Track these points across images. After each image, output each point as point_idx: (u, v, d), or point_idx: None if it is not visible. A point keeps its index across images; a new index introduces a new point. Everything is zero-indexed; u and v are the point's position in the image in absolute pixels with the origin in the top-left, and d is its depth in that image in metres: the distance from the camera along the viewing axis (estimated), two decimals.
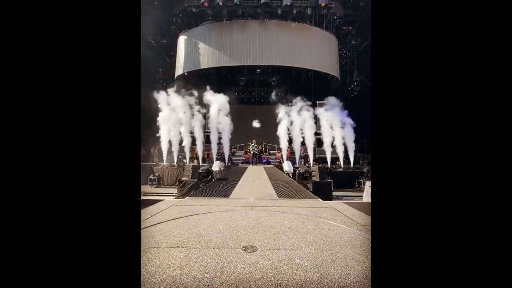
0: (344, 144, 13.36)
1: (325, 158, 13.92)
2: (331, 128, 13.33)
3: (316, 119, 15.37)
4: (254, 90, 21.97)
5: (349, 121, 13.62)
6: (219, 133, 13.21)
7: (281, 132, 13.43)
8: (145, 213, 2.85)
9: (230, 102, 14.09)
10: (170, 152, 12.84)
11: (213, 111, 13.12)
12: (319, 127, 14.00)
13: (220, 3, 16.97)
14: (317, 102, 19.37)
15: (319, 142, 15.58)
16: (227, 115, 13.30)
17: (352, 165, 13.58)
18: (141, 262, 1.57)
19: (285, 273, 1.46)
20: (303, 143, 13.84)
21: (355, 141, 13.73)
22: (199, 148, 13.39)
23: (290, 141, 13.59)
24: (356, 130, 13.82)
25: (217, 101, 13.18)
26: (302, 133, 13.44)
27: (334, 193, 8.81)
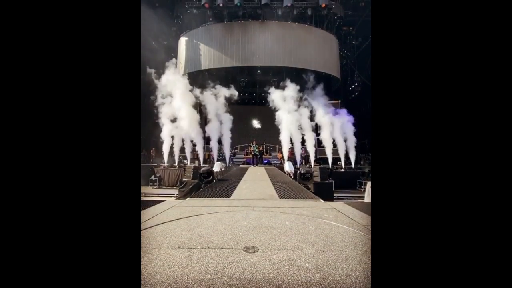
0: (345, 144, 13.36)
1: (326, 158, 13.91)
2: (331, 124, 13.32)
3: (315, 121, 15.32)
4: (254, 91, 21.98)
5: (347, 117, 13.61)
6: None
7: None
8: (146, 214, 2.85)
9: (231, 103, 14.11)
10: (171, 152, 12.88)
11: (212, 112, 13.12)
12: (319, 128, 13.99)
13: (221, 4, 17.01)
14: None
15: (319, 143, 15.56)
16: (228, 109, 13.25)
17: (353, 165, 13.57)
18: (143, 262, 1.57)
19: (286, 274, 1.45)
20: (303, 144, 13.82)
21: (356, 141, 13.72)
22: (200, 149, 13.39)
23: (291, 141, 13.54)
24: (357, 130, 13.82)
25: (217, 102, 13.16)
26: (303, 135, 13.39)
27: (336, 194, 8.79)
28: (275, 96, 13.30)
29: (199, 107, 13.56)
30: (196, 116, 12.93)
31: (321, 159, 15.26)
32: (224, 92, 13.47)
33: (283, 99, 13.20)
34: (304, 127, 13.24)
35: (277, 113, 13.37)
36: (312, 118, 13.79)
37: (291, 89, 13.25)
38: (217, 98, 13.36)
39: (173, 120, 12.59)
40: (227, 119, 13.31)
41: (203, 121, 13.62)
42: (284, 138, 13.13)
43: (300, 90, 13.74)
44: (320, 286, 1.34)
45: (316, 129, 13.96)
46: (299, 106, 13.43)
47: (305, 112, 13.38)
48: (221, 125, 13.24)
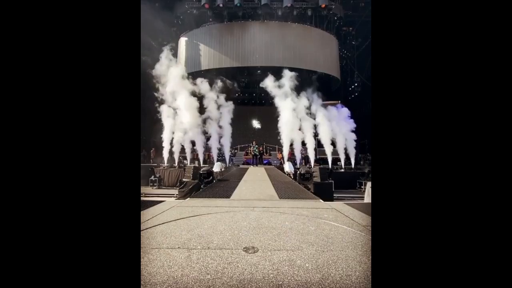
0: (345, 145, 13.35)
1: (326, 158, 13.89)
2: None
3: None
4: (254, 91, 22.00)
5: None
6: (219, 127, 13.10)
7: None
8: (146, 214, 2.85)
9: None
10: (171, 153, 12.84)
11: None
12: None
13: (221, 5, 17.04)
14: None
15: (319, 143, 15.50)
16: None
17: (353, 166, 13.57)
18: (143, 263, 1.57)
19: (286, 274, 1.45)
20: (303, 144, 13.79)
21: (356, 142, 13.72)
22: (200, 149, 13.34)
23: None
24: (357, 130, 13.82)
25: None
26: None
27: (335, 194, 8.79)
28: (271, 82, 13.01)
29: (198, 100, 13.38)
30: (195, 103, 12.66)
31: (321, 160, 15.25)
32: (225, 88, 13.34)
33: (279, 87, 13.00)
34: (302, 116, 13.03)
35: (275, 101, 13.10)
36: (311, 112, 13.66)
37: (288, 76, 13.00)
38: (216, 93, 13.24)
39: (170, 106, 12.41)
40: (227, 112, 13.16)
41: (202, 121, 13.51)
42: (283, 124, 12.88)
43: (300, 89, 13.67)
44: (320, 286, 1.33)
45: (316, 129, 13.86)
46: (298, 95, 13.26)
47: (304, 101, 13.17)
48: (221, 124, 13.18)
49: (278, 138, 13.25)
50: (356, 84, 20.93)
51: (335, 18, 18.72)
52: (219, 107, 13.18)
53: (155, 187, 11.42)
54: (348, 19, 19.54)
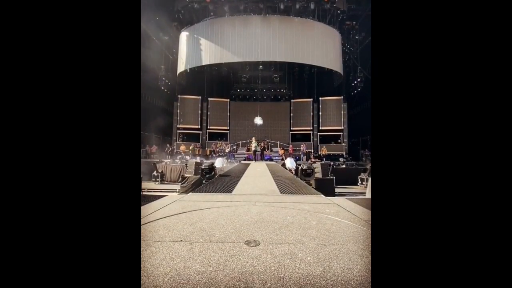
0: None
1: (328, 154, 13.89)
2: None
3: (319, 115, 15.13)
4: (256, 87, 21.91)
5: None
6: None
7: None
8: (149, 208, 2.88)
9: (232, 99, 14.04)
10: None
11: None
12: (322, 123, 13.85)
13: None
14: (320, 98, 19.34)
15: (322, 139, 15.48)
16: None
17: (354, 162, 13.56)
18: (145, 255, 1.60)
19: (288, 267, 1.47)
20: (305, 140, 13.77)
21: (358, 138, 13.69)
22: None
23: (293, 137, 13.42)
24: (359, 126, 13.76)
25: None
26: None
27: (337, 190, 8.81)
28: None
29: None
30: None
31: (323, 156, 15.25)
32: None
33: None
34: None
35: None
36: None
37: None
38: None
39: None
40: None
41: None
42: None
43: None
44: (322, 279, 1.35)
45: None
46: None
47: None
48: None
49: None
50: (359, 80, 20.69)
51: (338, 12, 18.45)
52: None
53: (157, 183, 11.50)
54: (352, 13, 19.23)
